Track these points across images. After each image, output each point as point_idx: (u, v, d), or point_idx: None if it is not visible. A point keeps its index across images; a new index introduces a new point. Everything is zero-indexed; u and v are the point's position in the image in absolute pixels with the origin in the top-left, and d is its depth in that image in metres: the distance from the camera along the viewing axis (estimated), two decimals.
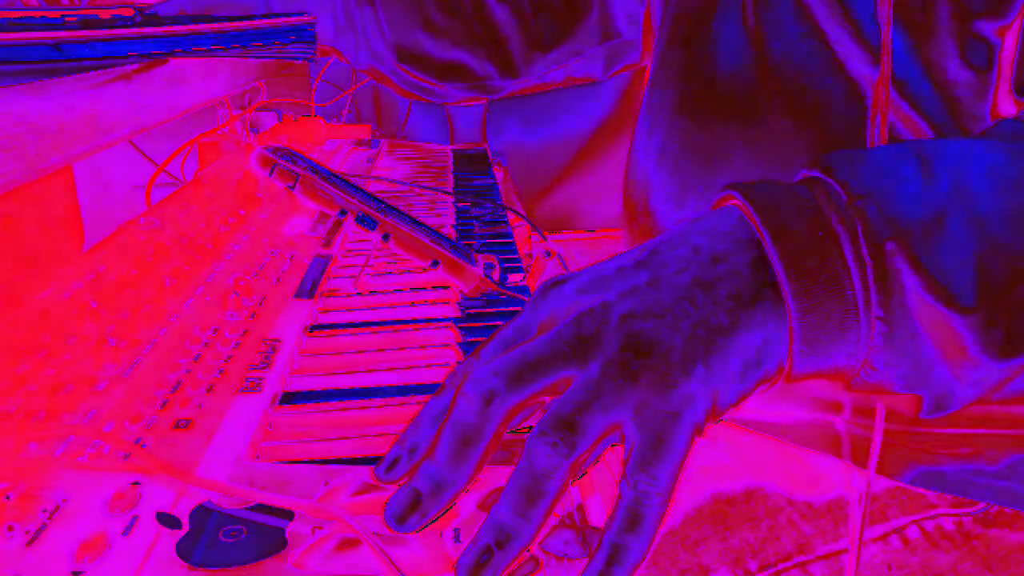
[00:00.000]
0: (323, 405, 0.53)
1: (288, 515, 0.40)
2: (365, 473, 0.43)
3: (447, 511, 0.35)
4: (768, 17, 0.62)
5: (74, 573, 0.37)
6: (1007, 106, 0.53)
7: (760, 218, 0.36)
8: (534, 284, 0.76)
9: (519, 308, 0.63)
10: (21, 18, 0.71)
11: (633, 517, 0.33)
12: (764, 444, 0.67)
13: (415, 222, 0.69)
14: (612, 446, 0.35)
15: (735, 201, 0.39)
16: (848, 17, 0.57)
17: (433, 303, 0.68)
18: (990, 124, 0.47)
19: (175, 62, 0.80)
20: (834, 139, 0.58)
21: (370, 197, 0.69)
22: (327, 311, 0.67)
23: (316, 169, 0.68)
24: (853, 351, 0.37)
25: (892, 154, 0.39)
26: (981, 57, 0.52)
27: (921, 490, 0.62)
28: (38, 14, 0.72)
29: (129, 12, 0.75)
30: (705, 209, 0.41)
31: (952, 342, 0.36)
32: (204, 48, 0.76)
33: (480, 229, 0.90)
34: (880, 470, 0.62)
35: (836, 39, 0.58)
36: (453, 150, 1.32)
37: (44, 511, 0.41)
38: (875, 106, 0.47)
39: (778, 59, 0.61)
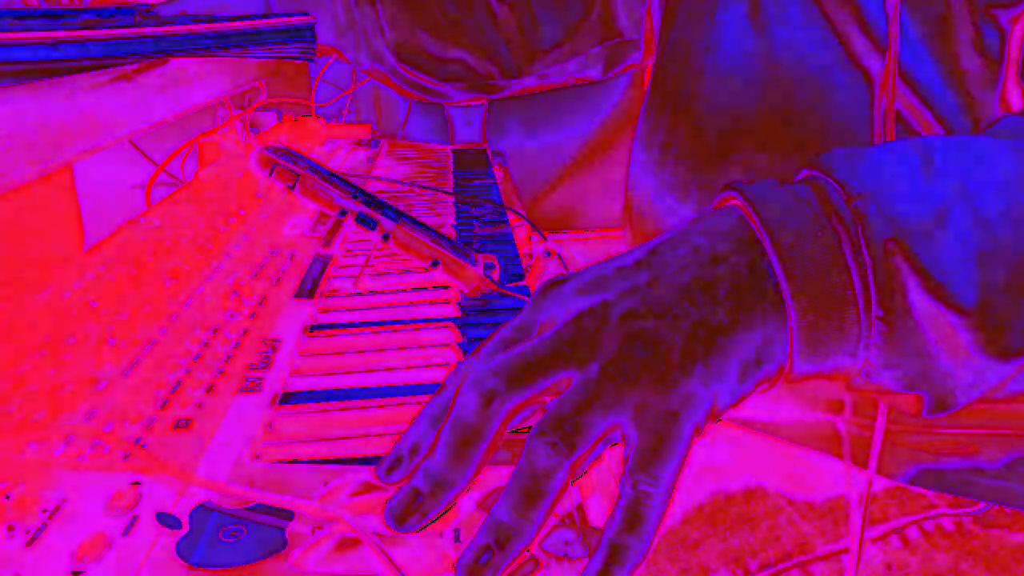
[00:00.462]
0: (323, 405, 0.53)
1: (288, 515, 0.40)
2: (365, 473, 0.43)
3: (447, 511, 0.35)
4: (772, 3, 0.61)
5: (74, 573, 0.37)
6: (1015, 96, 0.52)
7: (760, 218, 0.36)
8: (534, 284, 0.76)
9: (519, 308, 0.63)
10: (21, 18, 0.71)
11: (633, 517, 0.33)
12: (764, 444, 0.67)
13: (415, 222, 0.69)
14: (612, 446, 0.35)
15: (735, 201, 0.39)
16: (855, 3, 0.56)
17: (433, 303, 0.68)
18: (993, 120, 0.47)
19: (175, 62, 0.80)
20: (839, 131, 0.58)
21: (370, 197, 0.69)
22: (327, 311, 0.67)
23: (316, 169, 0.68)
24: (853, 351, 0.37)
25: (893, 152, 0.39)
26: (993, 46, 0.52)
27: (921, 490, 0.62)
28: (38, 14, 0.72)
29: (129, 12, 0.75)
30: (706, 209, 0.40)
31: (953, 342, 0.36)
32: (204, 48, 0.76)
33: (480, 229, 0.90)
34: (880, 470, 0.62)
35: (843, 26, 0.57)
36: (453, 150, 1.32)
37: (44, 511, 0.41)
38: (882, 96, 0.47)
39: (782, 48, 0.60)
